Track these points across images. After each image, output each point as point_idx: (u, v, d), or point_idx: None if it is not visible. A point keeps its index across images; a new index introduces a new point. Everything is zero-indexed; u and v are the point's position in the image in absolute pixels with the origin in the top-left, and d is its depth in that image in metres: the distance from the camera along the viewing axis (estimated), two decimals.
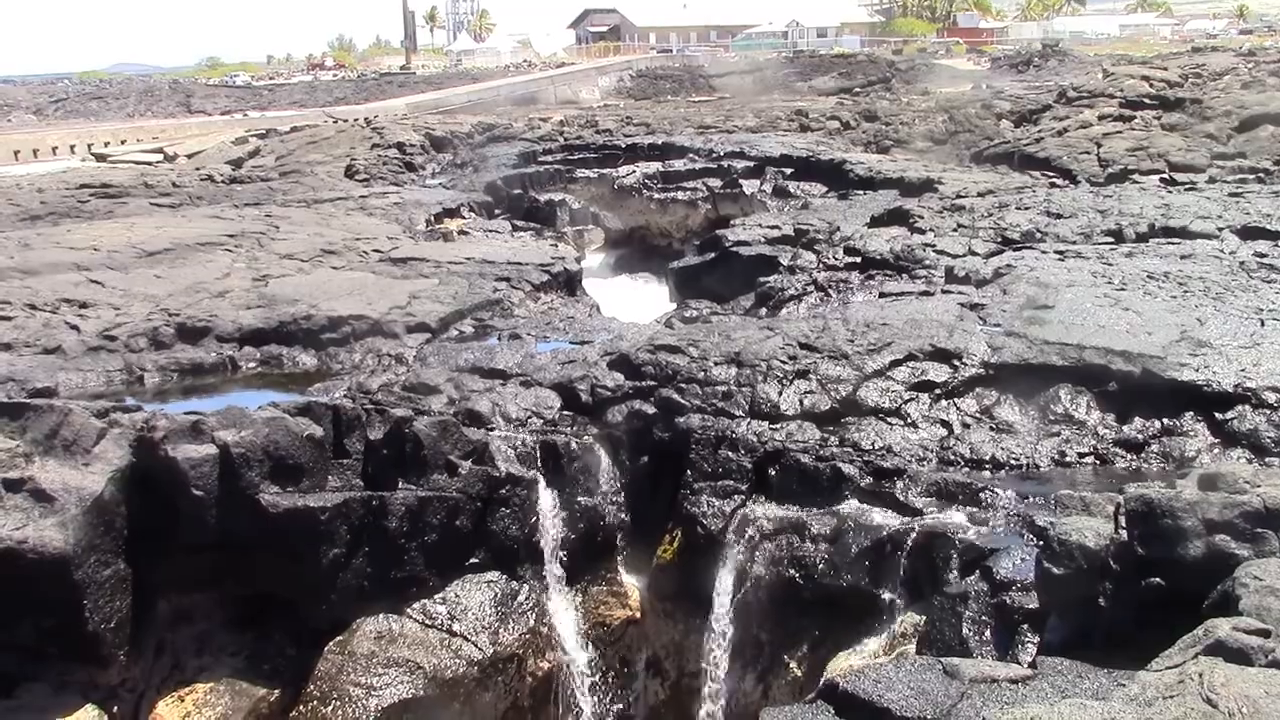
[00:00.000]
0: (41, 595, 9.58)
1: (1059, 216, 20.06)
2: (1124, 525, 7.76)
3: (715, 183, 30.91)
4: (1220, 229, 18.40)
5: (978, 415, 12.03)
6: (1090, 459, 11.17)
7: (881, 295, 16.22)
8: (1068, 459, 11.16)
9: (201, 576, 10.70)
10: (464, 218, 26.20)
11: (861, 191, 26.72)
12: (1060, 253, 17.33)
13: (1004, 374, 12.37)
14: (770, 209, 27.19)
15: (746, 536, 11.31)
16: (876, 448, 11.56)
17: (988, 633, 8.84)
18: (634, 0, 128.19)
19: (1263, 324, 12.95)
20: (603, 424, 12.74)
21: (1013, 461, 11.18)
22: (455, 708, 10.90)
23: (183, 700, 10.40)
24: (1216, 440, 11.07)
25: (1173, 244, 17.65)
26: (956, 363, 12.57)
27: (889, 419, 11.98)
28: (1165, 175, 26.19)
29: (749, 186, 30.14)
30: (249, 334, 15.42)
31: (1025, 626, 8.60)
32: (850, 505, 10.92)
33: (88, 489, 9.98)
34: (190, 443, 10.55)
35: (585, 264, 20.10)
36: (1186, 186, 23.96)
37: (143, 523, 10.37)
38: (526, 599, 11.70)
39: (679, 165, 32.28)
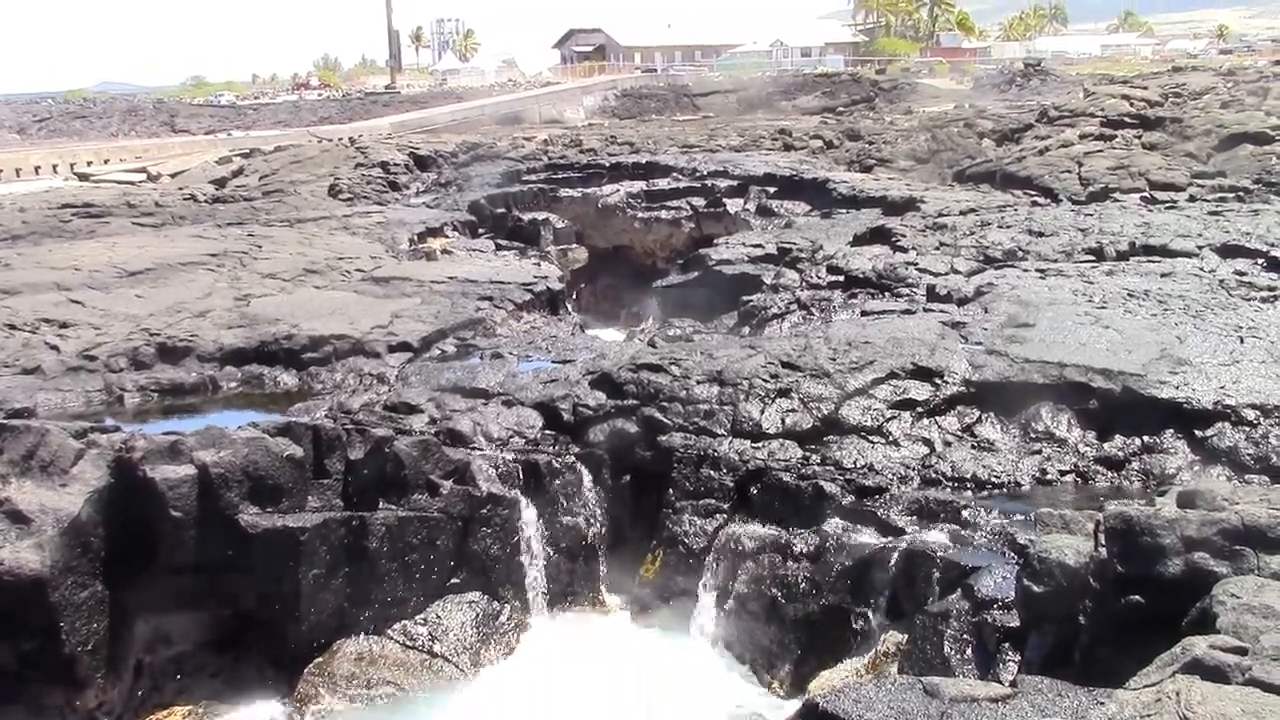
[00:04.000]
0: (18, 617, 9.53)
1: (1040, 235, 20.14)
2: (1104, 543, 7.77)
3: (699, 201, 30.91)
4: (1200, 247, 18.48)
5: (959, 433, 12.05)
6: (1071, 476, 11.19)
7: (863, 314, 16.23)
8: (1049, 476, 11.18)
9: (180, 598, 10.64)
10: (447, 237, 26.15)
11: (844, 210, 26.76)
12: (1042, 271, 17.39)
13: (985, 392, 12.40)
14: (754, 227, 27.21)
15: (729, 555, 11.29)
16: (858, 466, 11.56)
17: (969, 651, 8.83)
18: (619, 20, 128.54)
19: (1242, 341, 13.01)
20: (585, 443, 12.72)
21: (994, 479, 11.18)
22: None
23: None
24: (1196, 457, 11.12)
25: (1153, 262, 17.73)
26: (938, 381, 12.60)
27: (871, 437, 11.99)
28: (1146, 194, 26.29)
29: (733, 205, 30.14)
30: (230, 354, 15.36)
31: (1006, 645, 8.60)
32: (832, 524, 10.92)
33: (65, 510, 9.94)
34: (169, 463, 10.52)
35: None
36: (1167, 205, 24.07)
37: (121, 544, 10.33)
38: (508, 619, 11.66)
39: (663, 184, 32.28)
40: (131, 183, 38.37)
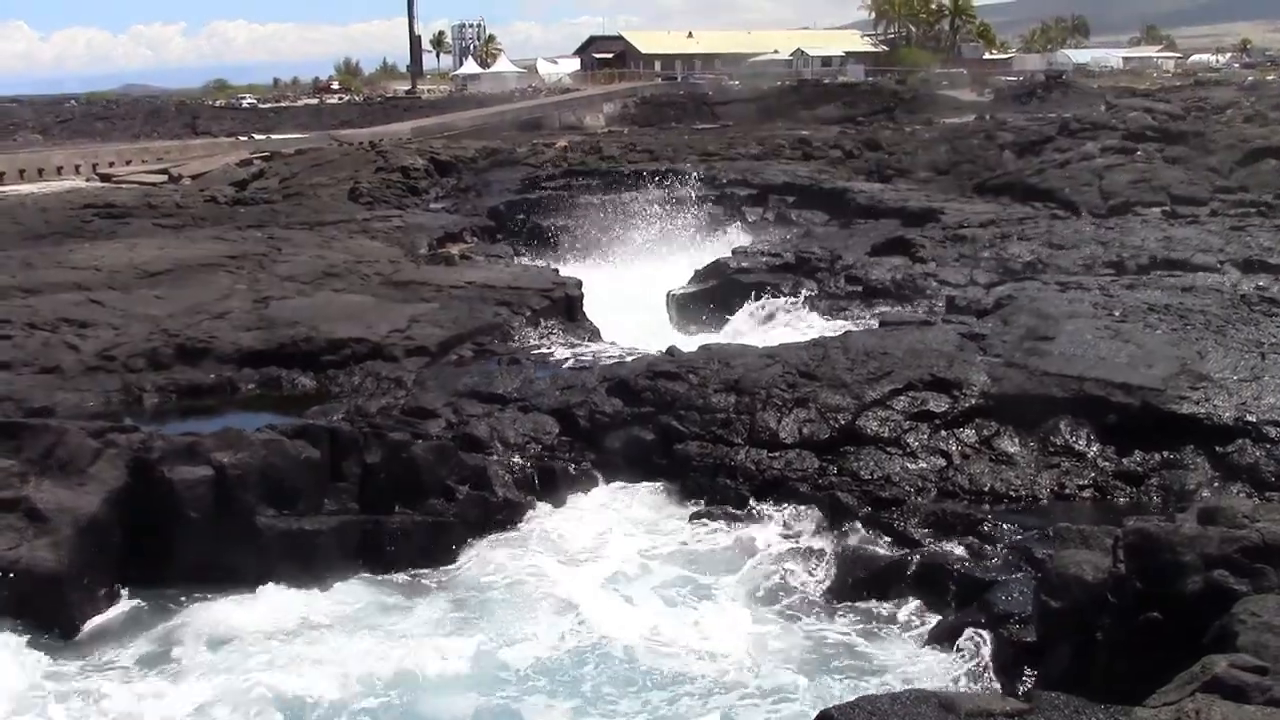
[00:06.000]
0: (34, 617, 9.57)
1: (1060, 248, 20.06)
2: (1122, 559, 7.70)
3: (718, 210, 30.88)
4: (1222, 262, 18.38)
5: (977, 446, 11.99)
6: (1090, 491, 11.13)
7: (882, 324, 16.19)
8: (1067, 491, 11.13)
9: None
10: (466, 242, 26.25)
11: (863, 220, 26.77)
12: (1061, 284, 17.30)
13: (1004, 405, 12.33)
14: (773, 236, 27.17)
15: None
16: (875, 477, 11.51)
17: (985, 665, 8.76)
18: (640, 28, 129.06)
19: (1263, 357, 12.90)
20: (601, 450, 12.70)
21: (1012, 493, 11.13)
22: None
23: None
24: (1217, 474, 11.03)
25: (1174, 276, 17.62)
26: (956, 393, 12.54)
27: (888, 448, 11.94)
28: (1167, 208, 26.17)
29: (751, 214, 30.14)
30: (248, 355, 15.42)
31: (1022, 660, 8.54)
32: (849, 535, 10.87)
33: (82, 509, 9.99)
34: (186, 464, 10.56)
35: None
36: (1188, 219, 23.94)
37: (137, 544, 10.38)
38: None
39: (683, 193, 32.28)
40: (153, 184, 38.64)
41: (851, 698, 7.03)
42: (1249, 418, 11.34)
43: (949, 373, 12.86)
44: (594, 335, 18.33)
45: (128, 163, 45.94)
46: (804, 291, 18.83)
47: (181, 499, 10.36)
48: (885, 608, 10.06)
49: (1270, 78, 66.27)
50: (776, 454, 11.97)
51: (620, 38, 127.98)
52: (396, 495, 11.32)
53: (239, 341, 15.71)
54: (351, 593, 10.52)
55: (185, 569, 10.41)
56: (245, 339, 15.82)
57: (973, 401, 12.42)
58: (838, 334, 15.99)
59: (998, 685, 8.51)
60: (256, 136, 58.57)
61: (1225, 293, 16.29)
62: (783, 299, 18.73)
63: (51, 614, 9.60)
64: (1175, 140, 32.27)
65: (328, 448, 11.22)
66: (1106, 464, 11.47)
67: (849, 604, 10.22)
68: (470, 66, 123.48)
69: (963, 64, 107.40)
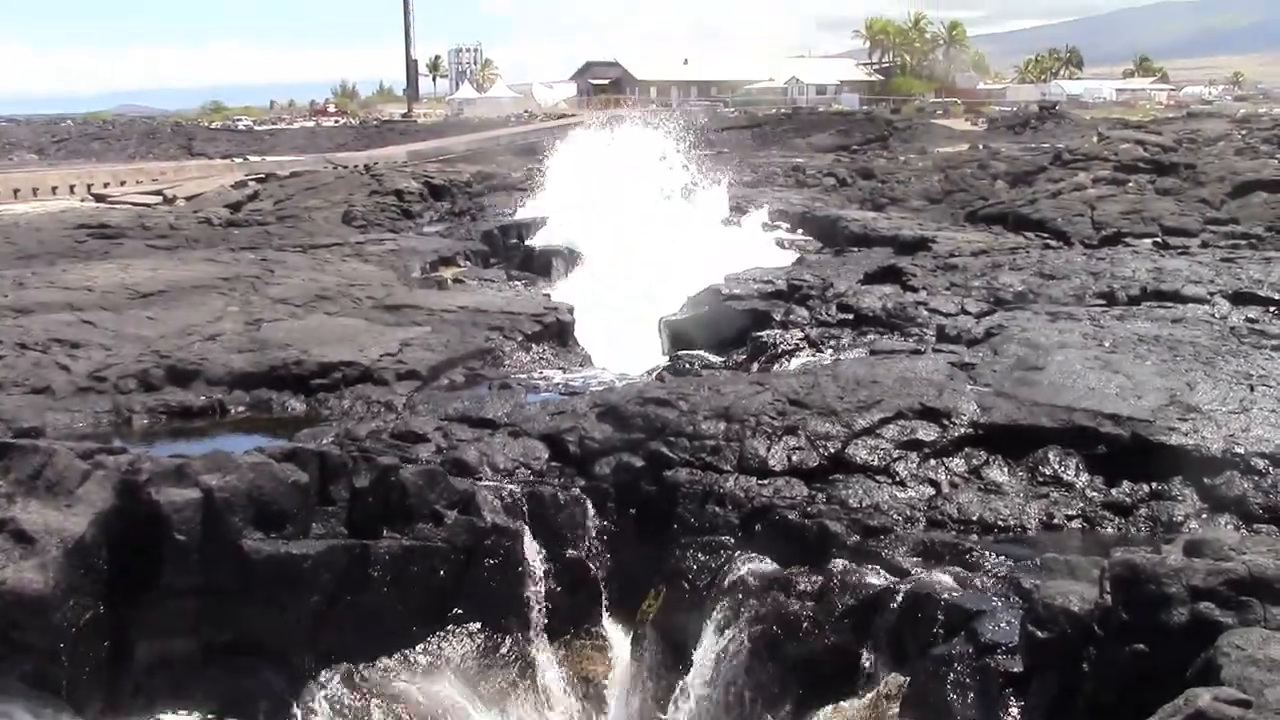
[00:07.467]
0: (19, 638, 9.51)
1: (1051, 278, 20.13)
2: (1109, 590, 7.71)
3: None
4: (1212, 294, 18.44)
5: (966, 475, 11.99)
6: (1078, 522, 11.13)
7: (873, 353, 16.22)
8: (1055, 521, 11.12)
9: (182, 622, 10.61)
10: (459, 266, 26.30)
11: (856, 248, 26.90)
12: (1052, 314, 17.37)
13: (993, 434, 12.35)
14: (764, 264, 27.25)
15: (732, 593, 11.23)
16: (864, 506, 11.50)
17: (971, 696, 8.75)
18: (636, 54, 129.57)
19: (1252, 390, 12.94)
20: (590, 476, 12.68)
21: (1000, 523, 11.12)
22: None
23: None
24: (1205, 505, 11.04)
25: (1164, 308, 17.68)
26: (946, 422, 12.54)
27: (877, 477, 11.93)
28: (1158, 239, 26.33)
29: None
30: (239, 378, 15.41)
31: (1009, 690, 8.52)
32: (837, 563, 10.85)
33: (70, 531, 9.94)
34: (174, 486, 10.53)
35: None
36: (1179, 251, 24.08)
37: (124, 566, 10.33)
38: (509, 651, 11.59)
39: None
40: (147, 205, 38.68)
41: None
42: (1237, 449, 11.35)
43: (939, 402, 12.87)
44: (586, 361, 18.37)
45: (122, 183, 46.01)
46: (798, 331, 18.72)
47: (169, 521, 10.31)
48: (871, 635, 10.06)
49: (1262, 111, 66.68)
50: (765, 481, 11.95)
51: (616, 63, 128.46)
52: (385, 519, 11.29)
53: (230, 364, 15.71)
54: None
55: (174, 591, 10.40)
56: (236, 361, 15.82)
57: (962, 431, 12.43)
58: (828, 362, 16.05)
59: (983, 715, 8.49)
60: (251, 158, 58.68)
61: (1215, 324, 16.37)
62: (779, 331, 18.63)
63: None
64: (1167, 172, 32.51)
65: (316, 471, 11.19)
66: (1095, 494, 11.48)
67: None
68: (467, 91, 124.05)
69: (957, 93, 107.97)
